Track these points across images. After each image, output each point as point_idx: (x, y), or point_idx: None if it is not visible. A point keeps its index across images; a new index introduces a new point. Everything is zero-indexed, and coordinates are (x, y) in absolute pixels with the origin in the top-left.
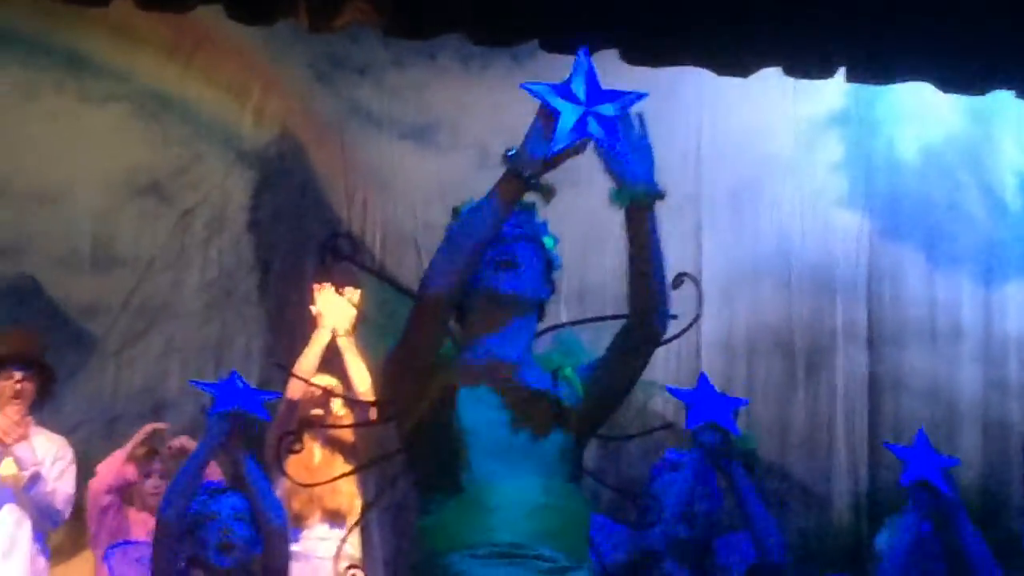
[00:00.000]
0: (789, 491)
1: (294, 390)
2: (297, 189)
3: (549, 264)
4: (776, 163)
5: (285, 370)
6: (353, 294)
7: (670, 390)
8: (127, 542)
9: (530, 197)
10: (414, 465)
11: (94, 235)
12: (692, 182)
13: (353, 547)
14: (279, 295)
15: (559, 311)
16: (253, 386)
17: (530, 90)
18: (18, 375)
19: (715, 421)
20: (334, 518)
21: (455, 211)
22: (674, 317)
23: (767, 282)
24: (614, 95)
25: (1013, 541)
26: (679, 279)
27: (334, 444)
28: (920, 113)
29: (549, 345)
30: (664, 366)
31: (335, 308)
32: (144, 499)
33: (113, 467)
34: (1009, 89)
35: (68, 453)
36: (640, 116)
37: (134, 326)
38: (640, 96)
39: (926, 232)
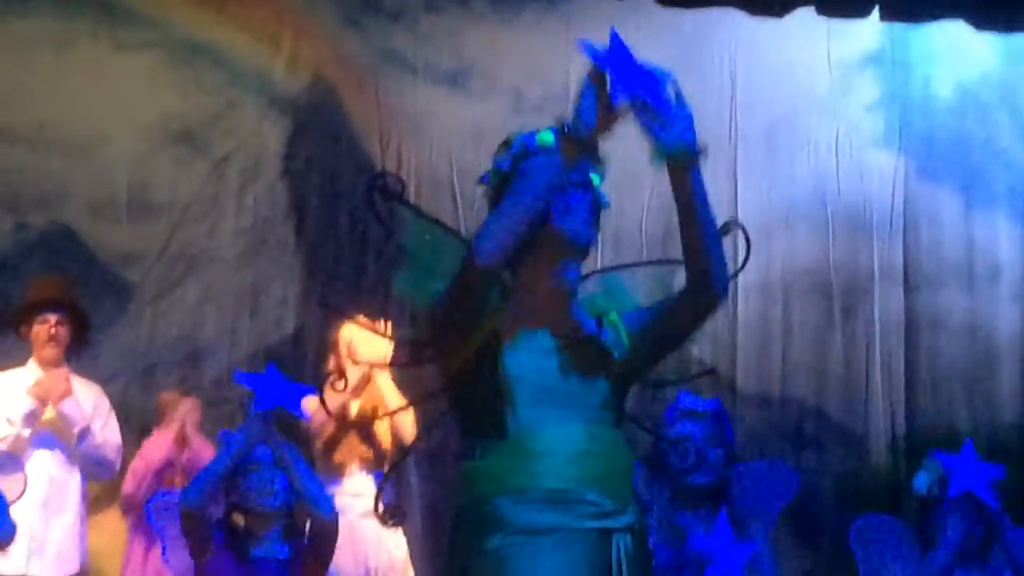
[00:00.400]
0: (826, 433)
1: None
2: (331, 136)
3: (597, 205)
4: (811, 104)
5: (330, 308)
6: (386, 327)
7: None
8: (165, 493)
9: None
10: (459, 409)
11: (129, 183)
12: (727, 124)
13: (390, 495)
14: (314, 242)
15: (597, 254)
16: (289, 376)
17: (586, 47)
18: (53, 319)
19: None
20: (371, 467)
21: (497, 153)
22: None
23: (803, 224)
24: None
25: None
26: (726, 227)
27: (373, 393)
28: (955, 52)
29: (593, 288)
30: None
31: (368, 341)
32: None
33: (163, 448)
34: None
35: (106, 402)
36: (675, 80)
37: (170, 274)
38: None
39: (962, 172)
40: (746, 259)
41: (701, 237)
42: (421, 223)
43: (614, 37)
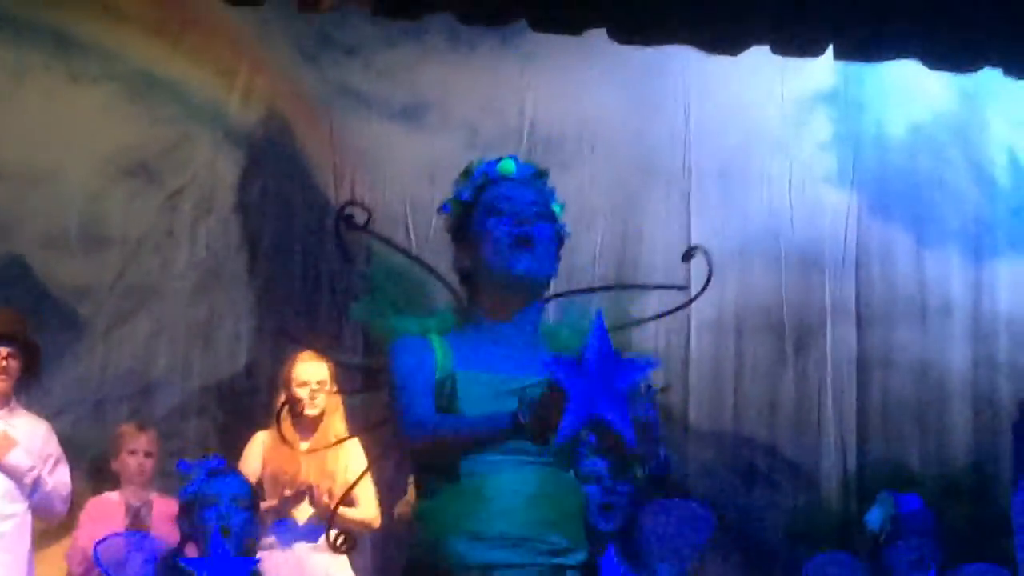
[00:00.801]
0: (778, 469)
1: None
2: (285, 170)
3: (560, 237)
4: (765, 141)
5: (286, 336)
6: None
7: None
8: (116, 534)
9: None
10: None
11: (82, 215)
12: (681, 160)
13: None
14: (267, 276)
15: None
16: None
17: (547, 365)
18: (3, 352)
19: None
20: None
21: (458, 181)
22: (683, 288)
23: (756, 260)
24: (627, 367)
25: (1002, 518)
26: (689, 253)
27: (325, 429)
28: (908, 91)
29: (557, 318)
30: (654, 341)
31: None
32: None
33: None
34: (997, 67)
35: (54, 441)
36: (648, 386)
37: (122, 307)
38: (653, 365)
39: (915, 210)
40: (706, 284)
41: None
42: (384, 253)
43: (594, 327)
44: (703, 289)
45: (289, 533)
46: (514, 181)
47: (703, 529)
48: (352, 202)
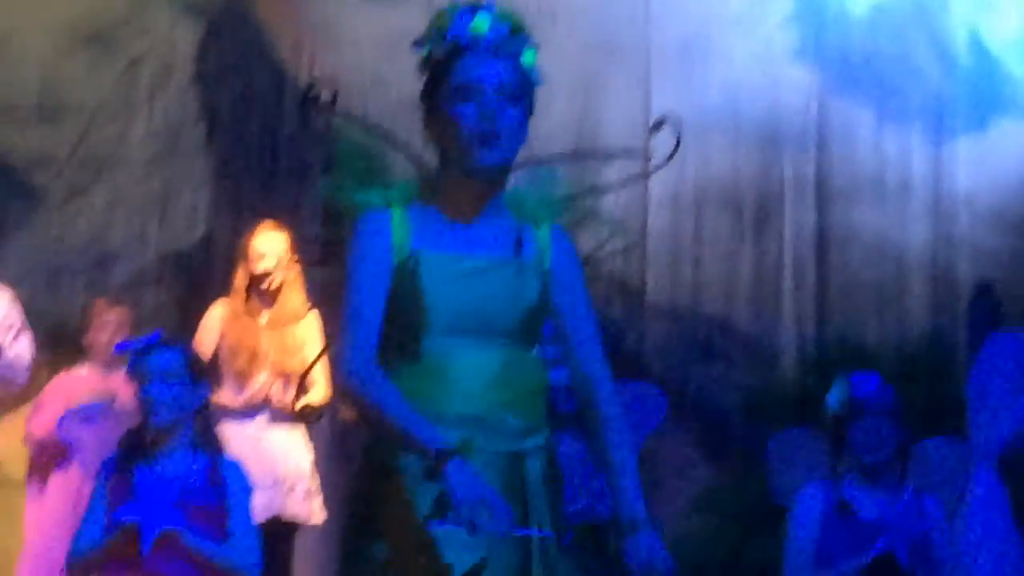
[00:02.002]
0: (735, 345)
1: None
2: (244, 41)
3: (531, 93)
4: (726, 16)
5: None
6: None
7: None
8: (79, 407)
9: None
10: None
11: (38, 84)
12: (641, 35)
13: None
14: (225, 147)
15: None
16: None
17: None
18: None
19: None
20: (279, 375)
21: (429, 34)
22: (647, 157)
23: (716, 136)
24: None
25: (958, 394)
26: (659, 122)
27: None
28: None
29: (524, 183)
30: (610, 219)
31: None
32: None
33: (83, 389)
34: None
35: (17, 310)
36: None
37: (79, 177)
38: None
39: (876, 87)
40: (674, 152)
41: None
42: (347, 128)
43: None
44: (671, 156)
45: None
46: (486, 52)
47: (655, 411)
48: (317, 82)
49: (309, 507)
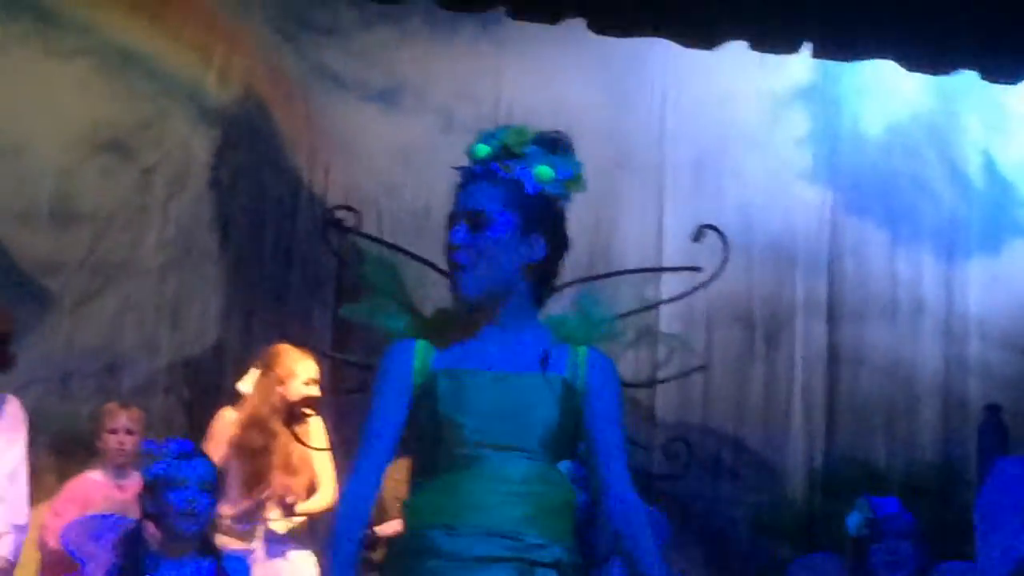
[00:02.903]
0: (744, 462)
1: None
2: (260, 149)
3: (541, 207)
4: (740, 135)
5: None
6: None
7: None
8: (87, 518)
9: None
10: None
11: (54, 191)
12: (656, 151)
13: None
14: (238, 255)
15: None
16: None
17: None
18: None
19: None
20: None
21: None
22: (698, 269)
23: (730, 253)
24: None
25: (967, 518)
26: (702, 231)
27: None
28: (885, 90)
29: (568, 307)
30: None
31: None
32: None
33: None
34: (973, 70)
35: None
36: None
37: (91, 283)
38: None
39: (889, 208)
40: (724, 261)
41: None
42: (376, 252)
43: None
44: (722, 267)
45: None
46: (474, 177)
47: (659, 534)
48: (341, 206)
49: None
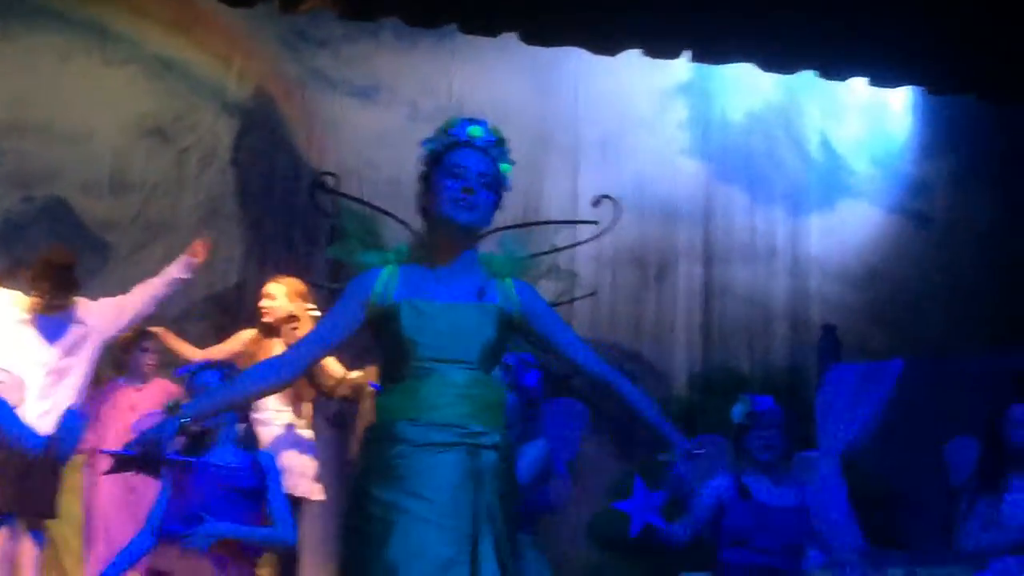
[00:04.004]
0: (641, 369)
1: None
2: (269, 134)
3: (500, 191)
4: (636, 121)
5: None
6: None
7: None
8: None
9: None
10: (378, 355)
11: (111, 166)
12: (572, 134)
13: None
14: (254, 214)
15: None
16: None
17: None
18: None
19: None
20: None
21: (436, 134)
22: (594, 223)
23: (628, 211)
24: None
25: (809, 411)
26: (597, 200)
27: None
28: (745, 86)
29: (493, 247)
30: (564, 271)
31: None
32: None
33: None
34: (814, 69)
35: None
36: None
37: (141, 238)
38: None
39: (750, 176)
40: (616, 217)
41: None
42: (353, 208)
43: None
44: (613, 222)
45: (265, 414)
46: (474, 148)
47: (580, 419)
48: (325, 172)
49: (311, 486)
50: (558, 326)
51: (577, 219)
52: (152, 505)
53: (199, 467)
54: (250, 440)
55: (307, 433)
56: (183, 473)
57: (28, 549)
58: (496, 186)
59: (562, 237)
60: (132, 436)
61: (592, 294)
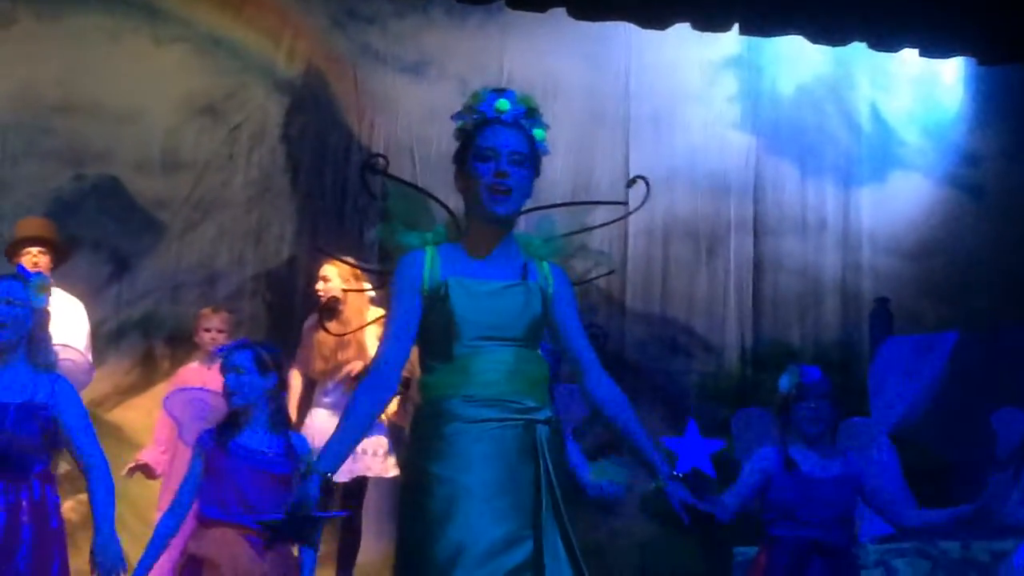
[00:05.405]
0: (693, 343)
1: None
2: (320, 111)
3: (539, 159)
4: (686, 95)
5: (324, 252)
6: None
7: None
8: (182, 389)
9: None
10: (418, 337)
11: (163, 145)
12: (623, 109)
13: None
14: (305, 192)
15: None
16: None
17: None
18: (34, 250)
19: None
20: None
21: (464, 110)
22: (624, 204)
23: (679, 186)
24: None
25: (862, 384)
26: (633, 180)
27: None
28: (795, 58)
29: (532, 229)
30: (599, 246)
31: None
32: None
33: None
34: (863, 41)
35: (79, 318)
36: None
37: (193, 215)
38: None
39: (799, 149)
40: (644, 200)
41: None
42: (401, 189)
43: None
44: (642, 203)
45: (327, 398)
46: (504, 124)
47: (578, 407)
48: (374, 154)
49: (384, 465)
50: (575, 320)
51: (615, 201)
52: (180, 485)
53: (233, 450)
54: (281, 420)
55: None
56: (218, 457)
57: None
58: (532, 159)
59: (601, 215)
60: (173, 410)
61: (610, 272)
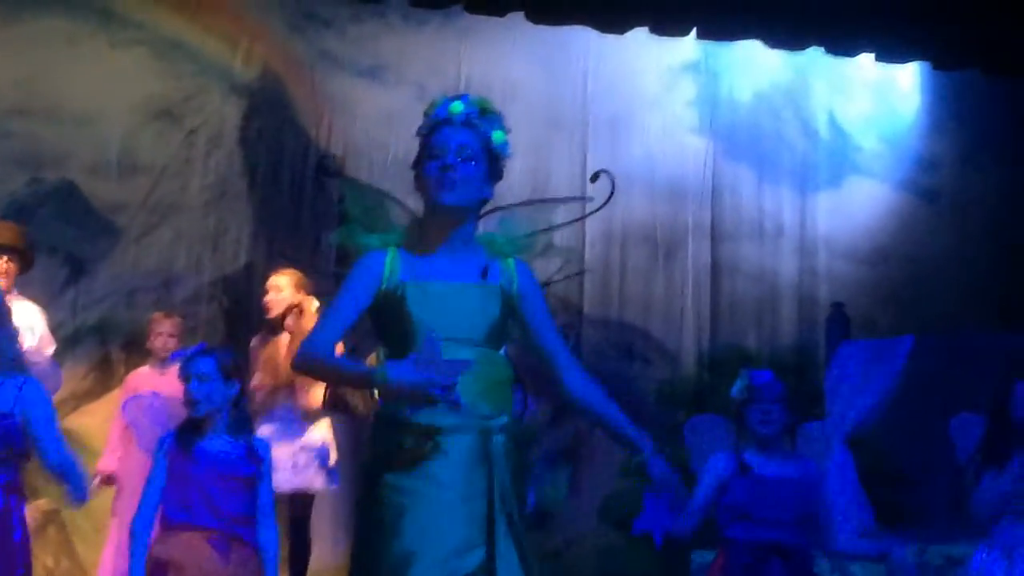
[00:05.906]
0: (650, 348)
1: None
2: (277, 114)
3: (495, 160)
4: (644, 100)
5: (284, 257)
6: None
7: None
8: (138, 395)
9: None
10: (378, 338)
11: (120, 149)
12: (580, 113)
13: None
14: (262, 196)
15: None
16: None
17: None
18: (3, 259)
19: None
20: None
21: (425, 114)
22: (587, 199)
23: (636, 190)
24: None
25: (817, 389)
26: (596, 175)
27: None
28: (752, 63)
29: (495, 227)
30: (559, 248)
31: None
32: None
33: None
34: (820, 47)
35: (41, 324)
36: None
37: (149, 219)
38: None
39: (756, 154)
40: (610, 197)
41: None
42: (357, 189)
43: None
44: (608, 199)
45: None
46: (455, 125)
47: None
48: (326, 155)
49: (324, 478)
50: (544, 315)
51: (578, 196)
52: (145, 487)
53: (197, 455)
54: (242, 425)
55: (323, 423)
56: (181, 462)
57: None
58: (484, 156)
59: (562, 215)
60: (130, 416)
61: (580, 273)
